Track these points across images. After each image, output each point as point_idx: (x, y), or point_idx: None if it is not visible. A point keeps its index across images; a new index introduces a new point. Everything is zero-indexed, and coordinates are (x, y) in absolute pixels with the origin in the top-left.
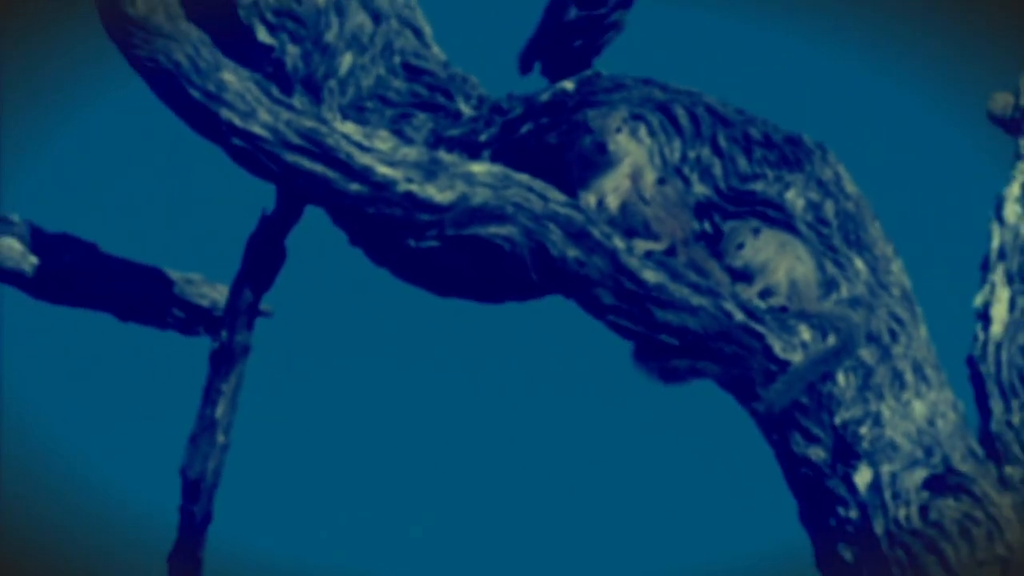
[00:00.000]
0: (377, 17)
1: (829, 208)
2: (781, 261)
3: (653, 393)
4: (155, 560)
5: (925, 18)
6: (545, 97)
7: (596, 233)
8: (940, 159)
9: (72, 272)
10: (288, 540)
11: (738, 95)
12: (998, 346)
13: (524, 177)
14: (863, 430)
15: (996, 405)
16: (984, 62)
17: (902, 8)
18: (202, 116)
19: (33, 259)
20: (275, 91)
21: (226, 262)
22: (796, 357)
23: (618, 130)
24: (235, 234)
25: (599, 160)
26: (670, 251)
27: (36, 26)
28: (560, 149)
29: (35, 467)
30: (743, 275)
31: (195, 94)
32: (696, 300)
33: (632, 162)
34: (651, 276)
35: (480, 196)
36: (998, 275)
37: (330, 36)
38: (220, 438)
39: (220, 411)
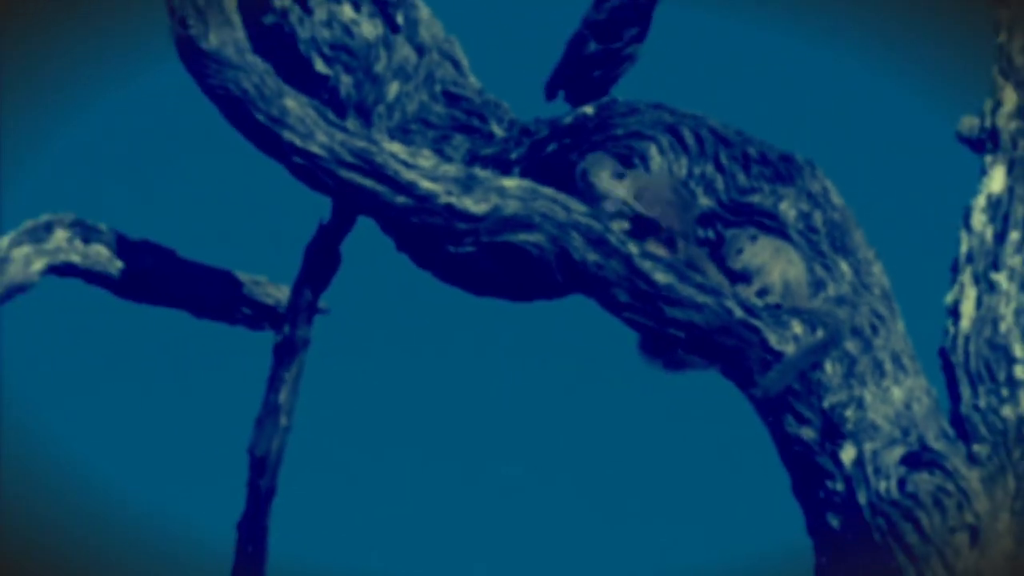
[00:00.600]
0: (421, 50)
1: (818, 218)
2: (775, 264)
3: (659, 393)
4: (154, 560)
5: (924, 18)
6: (568, 120)
7: (612, 240)
8: (932, 160)
9: (151, 274)
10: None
11: (738, 94)
12: (967, 339)
13: (549, 191)
14: (848, 413)
15: (965, 391)
16: (983, 62)
17: (901, 8)
18: (267, 137)
19: (118, 263)
20: (330, 115)
21: (227, 253)
22: (789, 348)
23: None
24: (236, 230)
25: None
26: (669, 241)
27: (36, 26)
28: None
29: (35, 467)
30: (742, 276)
31: (260, 118)
32: (701, 298)
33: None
34: (661, 277)
35: (511, 207)
36: (966, 276)
37: (379, 67)
38: (283, 420)
39: (283, 397)
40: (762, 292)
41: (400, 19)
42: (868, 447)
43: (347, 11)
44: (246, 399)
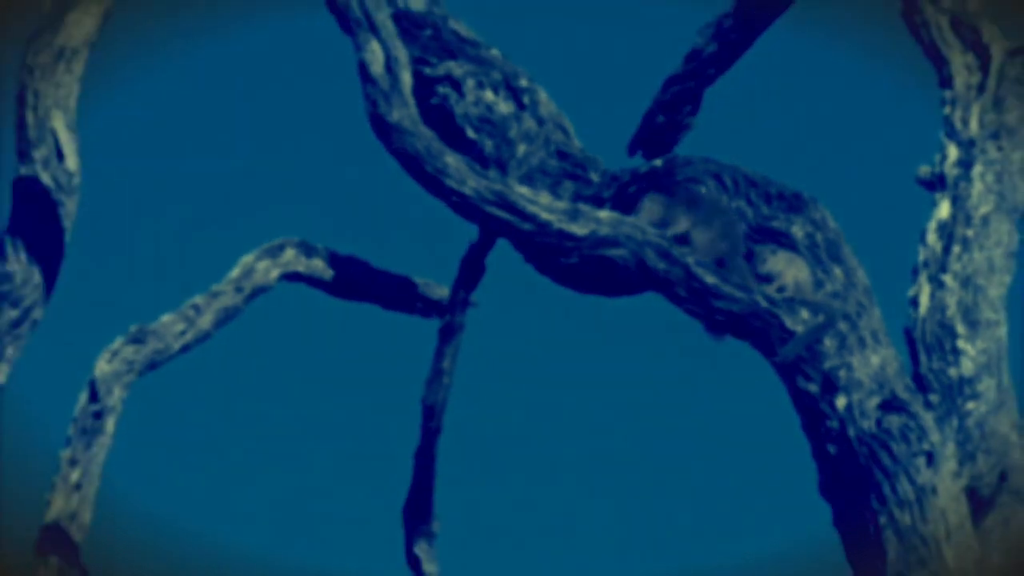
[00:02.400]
0: (540, 122)
1: (819, 237)
2: (789, 270)
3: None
4: (155, 559)
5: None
6: (644, 170)
7: (675, 253)
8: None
9: (353, 279)
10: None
11: (740, 94)
12: (924, 321)
13: (631, 219)
14: (840, 373)
15: (922, 358)
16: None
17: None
18: (433, 184)
19: (330, 271)
20: (477, 168)
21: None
22: (799, 329)
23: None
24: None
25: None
26: (719, 260)
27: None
28: None
29: (35, 467)
30: (766, 278)
31: (429, 169)
32: (738, 294)
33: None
34: (710, 279)
35: (604, 231)
36: (923, 277)
37: (511, 134)
38: (445, 380)
39: (446, 364)
40: (780, 289)
41: (526, 100)
42: (855, 397)
43: (488, 95)
44: (179, 412)
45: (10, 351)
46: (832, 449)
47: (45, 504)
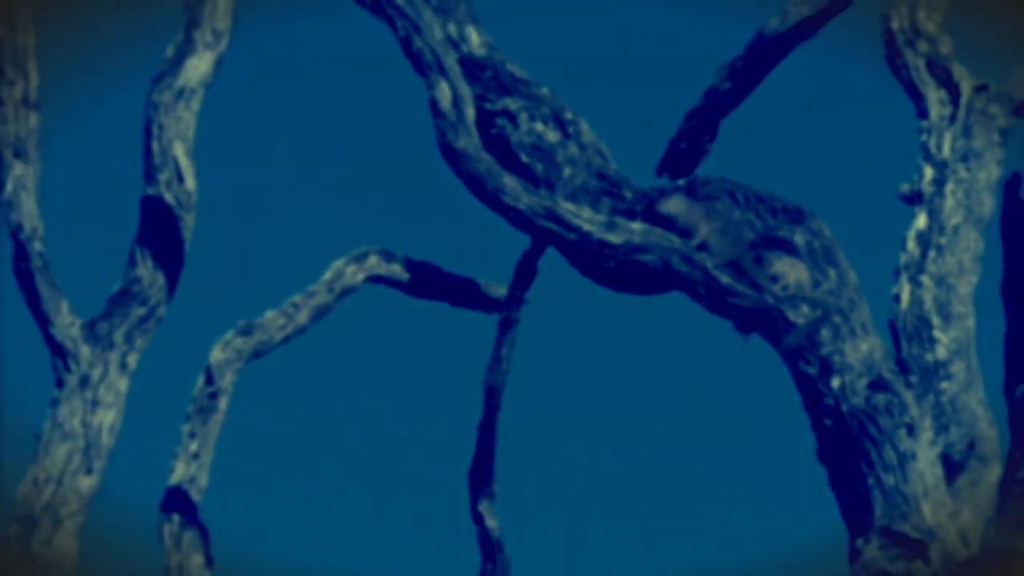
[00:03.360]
0: (582, 148)
1: (816, 244)
2: (791, 272)
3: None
4: (154, 559)
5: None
6: (669, 188)
7: (696, 258)
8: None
9: (426, 280)
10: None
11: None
12: (905, 315)
13: (659, 230)
14: (835, 358)
15: (904, 345)
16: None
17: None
18: (493, 200)
19: (407, 274)
20: (530, 187)
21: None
22: (800, 321)
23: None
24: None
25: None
26: (732, 264)
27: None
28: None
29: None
30: (772, 279)
31: (490, 188)
32: (749, 292)
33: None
34: (725, 280)
35: (636, 240)
36: (904, 278)
37: (558, 159)
38: (504, 366)
39: (504, 352)
40: (784, 288)
41: (570, 130)
42: (847, 378)
43: (539, 126)
44: (178, 412)
45: (139, 342)
46: (828, 422)
47: (169, 471)
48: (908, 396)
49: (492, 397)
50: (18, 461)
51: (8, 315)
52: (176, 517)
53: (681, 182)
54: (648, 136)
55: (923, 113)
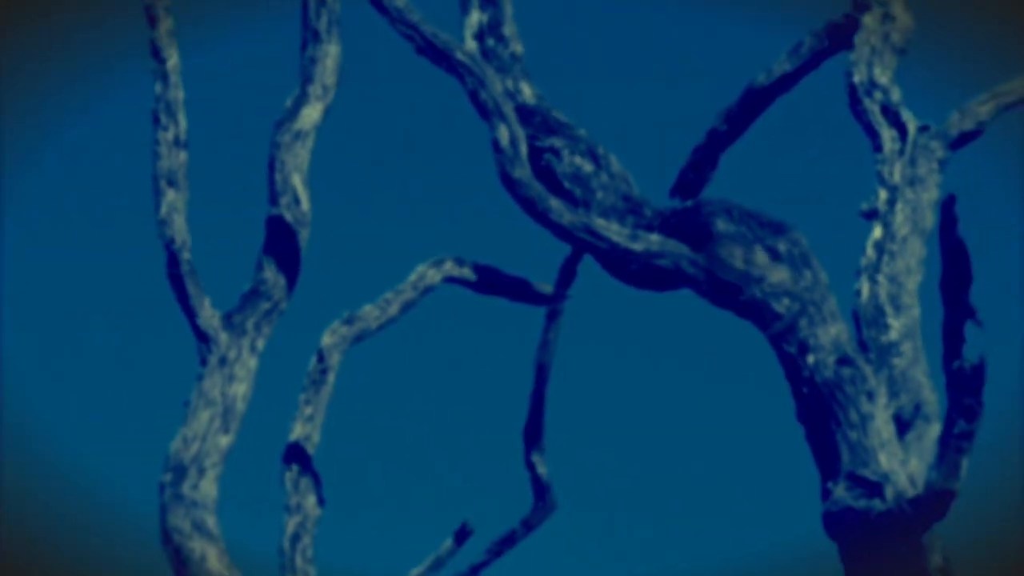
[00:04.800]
0: (611, 176)
1: (795, 251)
2: (775, 272)
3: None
4: (154, 559)
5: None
6: (680, 208)
7: (700, 260)
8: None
9: (490, 280)
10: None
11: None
12: (864, 306)
13: (672, 240)
14: (810, 340)
15: (864, 330)
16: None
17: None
18: (542, 218)
19: (474, 275)
20: (571, 207)
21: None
22: (783, 312)
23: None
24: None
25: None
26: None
27: (38, 26)
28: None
29: (35, 466)
30: (759, 279)
31: (540, 209)
32: (742, 289)
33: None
34: (723, 279)
35: (654, 248)
36: (864, 277)
37: (593, 185)
38: (551, 347)
39: (551, 336)
40: (769, 286)
41: (602, 163)
42: (820, 356)
43: (578, 159)
44: (176, 412)
45: (265, 330)
46: (805, 390)
47: (289, 431)
48: (868, 370)
49: (541, 372)
50: (18, 461)
51: (8, 315)
52: (295, 466)
53: (689, 203)
54: (662, 150)
55: (878, 147)
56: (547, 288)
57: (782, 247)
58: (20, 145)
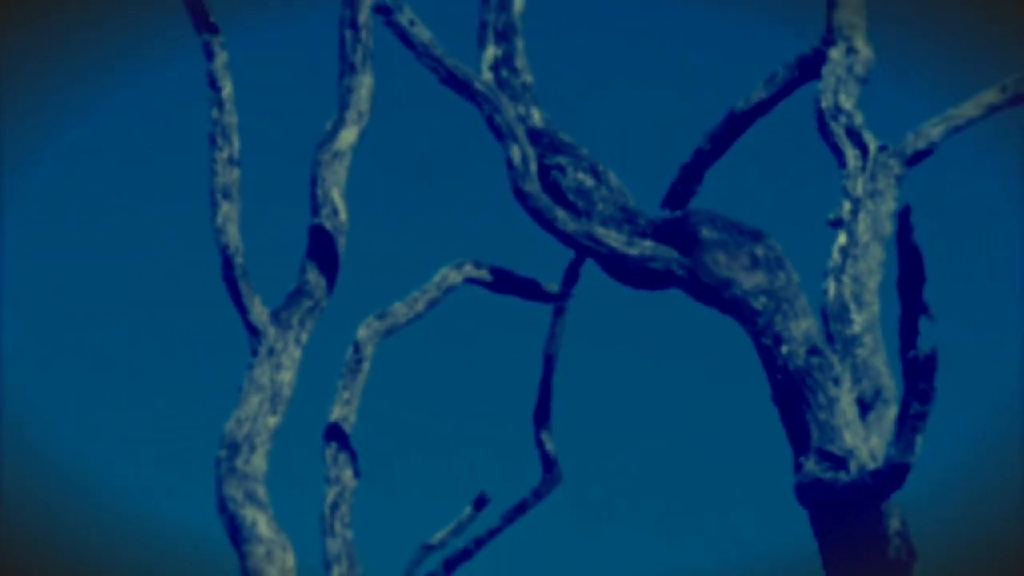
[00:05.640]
0: (610, 190)
1: (771, 255)
2: (754, 274)
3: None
4: (154, 559)
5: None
6: (670, 217)
7: (687, 264)
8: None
9: (504, 281)
10: None
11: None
12: (831, 303)
13: (663, 246)
14: (784, 333)
15: (831, 324)
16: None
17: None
18: (550, 227)
19: (491, 276)
20: (575, 217)
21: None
22: (760, 308)
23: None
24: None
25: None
26: (714, 270)
27: (39, 26)
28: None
29: (35, 466)
30: (738, 281)
31: (548, 218)
32: (724, 288)
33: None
34: (707, 279)
35: (648, 252)
36: (831, 277)
37: (594, 197)
38: (557, 340)
39: (557, 329)
40: (749, 285)
41: (602, 178)
42: (793, 347)
43: (581, 175)
44: (178, 412)
45: (308, 325)
46: (779, 376)
47: (329, 412)
48: (834, 359)
49: (549, 361)
50: (18, 461)
51: (8, 315)
52: (334, 443)
53: (678, 213)
54: (656, 173)
55: (843, 164)
56: (554, 288)
57: (759, 252)
58: (20, 145)
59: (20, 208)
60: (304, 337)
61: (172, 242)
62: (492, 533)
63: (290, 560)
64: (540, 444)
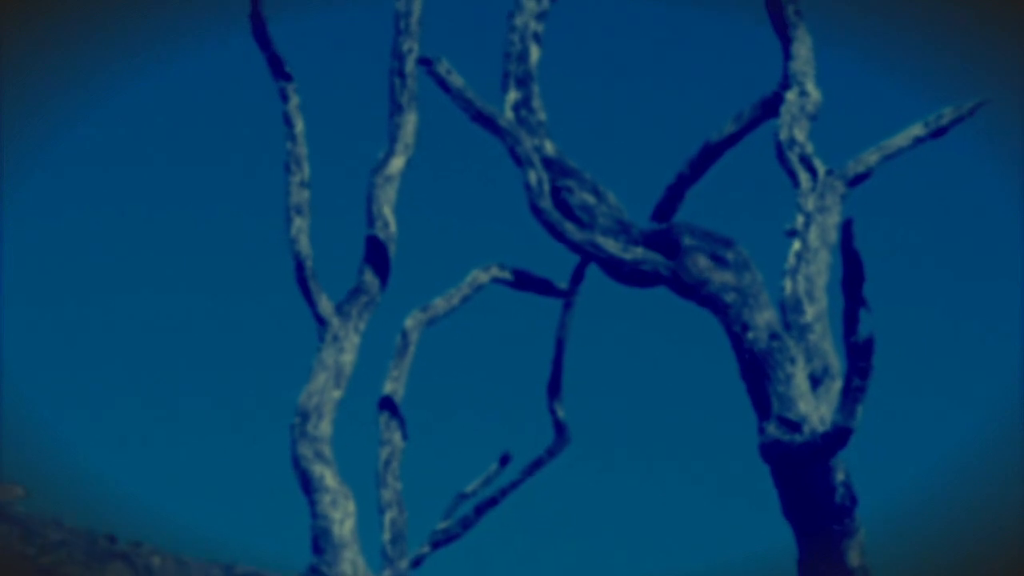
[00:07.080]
0: (609, 206)
1: (739, 259)
2: (725, 275)
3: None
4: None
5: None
6: (657, 228)
7: (672, 266)
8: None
9: (524, 280)
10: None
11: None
12: (788, 297)
13: (652, 252)
14: (750, 322)
15: (788, 314)
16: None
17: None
18: (561, 237)
19: (512, 276)
20: (581, 228)
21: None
22: (731, 302)
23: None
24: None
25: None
26: (694, 272)
27: (39, 26)
28: (665, 245)
29: (36, 466)
30: (711, 280)
31: (559, 230)
32: (701, 286)
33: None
34: (689, 279)
35: (639, 257)
36: (788, 277)
37: (596, 212)
38: (567, 328)
39: (567, 319)
40: (720, 283)
41: (602, 196)
42: (757, 333)
43: (585, 195)
44: (178, 411)
45: (365, 316)
46: (746, 357)
47: (382, 387)
48: (791, 343)
49: (559, 345)
50: (18, 461)
51: (8, 315)
52: (386, 412)
53: (664, 225)
54: (648, 184)
55: (797, 185)
56: (564, 286)
57: (730, 256)
58: (20, 146)
59: (19, 209)
60: (362, 326)
61: (173, 243)
62: (514, 484)
63: (351, 506)
64: (553, 412)
